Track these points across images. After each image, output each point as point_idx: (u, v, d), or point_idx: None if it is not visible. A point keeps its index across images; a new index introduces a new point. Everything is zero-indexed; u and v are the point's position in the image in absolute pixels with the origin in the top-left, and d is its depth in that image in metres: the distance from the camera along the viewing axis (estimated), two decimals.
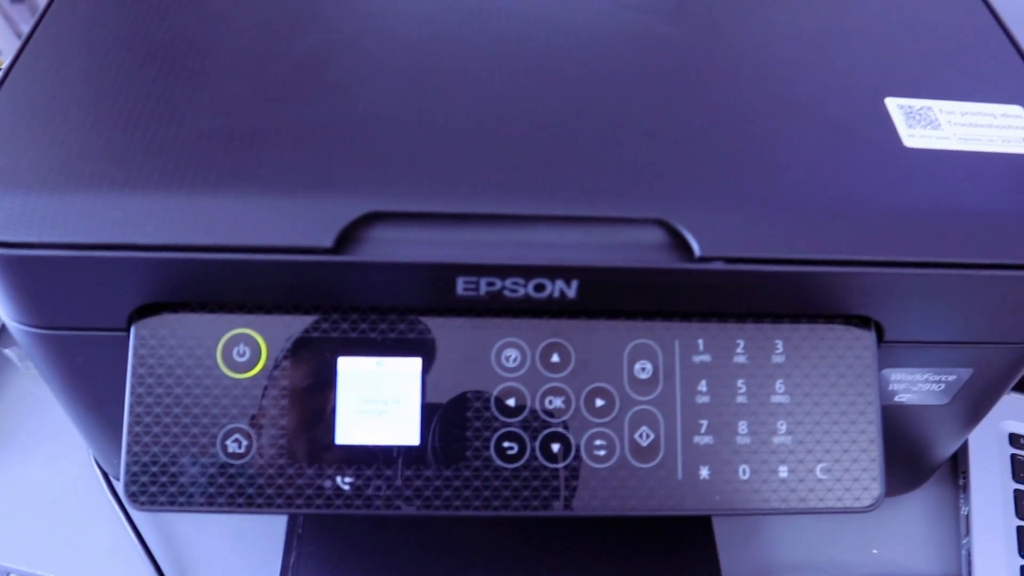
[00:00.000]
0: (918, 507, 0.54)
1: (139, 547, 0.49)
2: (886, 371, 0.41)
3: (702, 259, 0.35)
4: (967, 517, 0.51)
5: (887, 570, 0.51)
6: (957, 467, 0.55)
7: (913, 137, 0.39)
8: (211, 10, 0.43)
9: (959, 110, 0.41)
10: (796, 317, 0.38)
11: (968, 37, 0.46)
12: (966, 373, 0.42)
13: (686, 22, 0.45)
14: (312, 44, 0.41)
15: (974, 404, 0.44)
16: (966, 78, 0.43)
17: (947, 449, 0.49)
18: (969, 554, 0.50)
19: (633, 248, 0.35)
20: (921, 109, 0.41)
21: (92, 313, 0.36)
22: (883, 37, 0.45)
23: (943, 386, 0.42)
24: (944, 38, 0.45)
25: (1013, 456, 0.54)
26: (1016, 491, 0.52)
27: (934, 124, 0.40)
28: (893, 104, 0.41)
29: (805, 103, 0.41)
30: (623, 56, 0.42)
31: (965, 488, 0.53)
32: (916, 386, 0.42)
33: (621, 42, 0.43)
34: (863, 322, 0.39)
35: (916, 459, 0.49)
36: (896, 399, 0.43)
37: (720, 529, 0.49)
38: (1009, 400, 0.57)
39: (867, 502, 0.38)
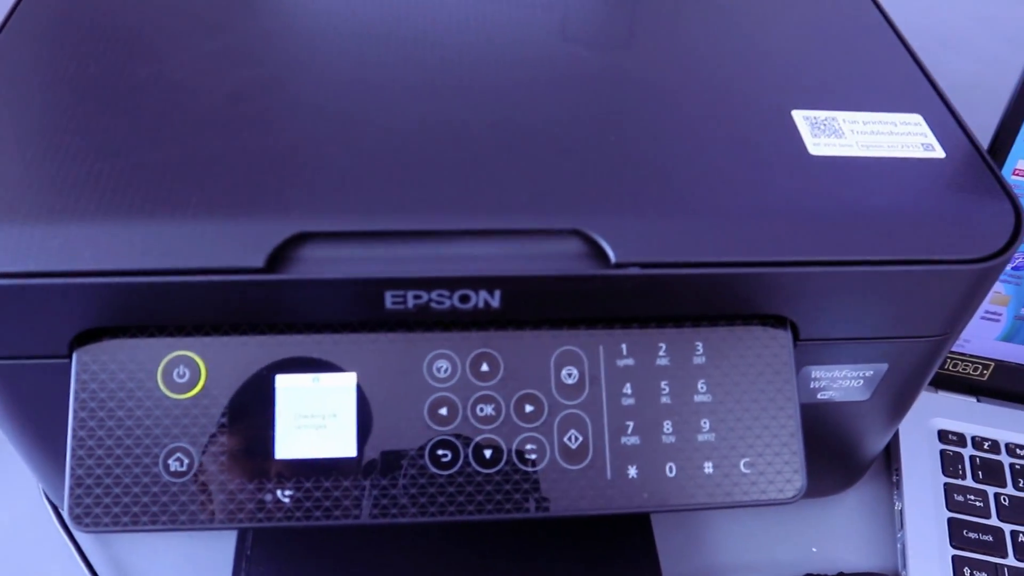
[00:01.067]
0: (855, 505, 0.56)
1: None
2: (807, 368, 0.43)
3: (618, 265, 0.36)
4: (901, 512, 0.53)
5: (827, 567, 0.52)
6: (891, 465, 0.57)
7: (818, 145, 0.42)
8: (145, 49, 0.44)
9: (861, 119, 0.43)
10: (715, 319, 0.40)
11: (871, 51, 0.48)
12: (882, 368, 0.44)
13: (603, 45, 0.47)
14: (243, 78, 0.42)
15: (895, 399, 0.46)
16: (869, 90, 0.46)
17: (876, 445, 0.51)
18: (904, 547, 0.52)
19: (552, 257, 0.37)
20: (825, 119, 0.43)
21: (33, 341, 0.38)
22: (791, 55, 0.48)
23: (862, 382, 0.44)
24: (848, 53, 0.48)
25: (942, 452, 0.56)
26: (946, 485, 0.54)
27: (838, 133, 0.42)
28: (799, 116, 0.43)
29: (717, 117, 0.43)
30: (539, 77, 0.44)
31: (898, 484, 0.55)
32: (836, 383, 0.44)
33: (536, 64, 0.45)
34: (779, 322, 0.41)
35: (847, 457, 0.51)
36: (819, 396, 0.45)
37: (661, 532, 0.50)
38: (938, 398, 0.59)
39: (790, 493, 0.40)
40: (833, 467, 0.52)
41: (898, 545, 0.53)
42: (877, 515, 0.56)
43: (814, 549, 0.53)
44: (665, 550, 0.50)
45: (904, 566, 0.51)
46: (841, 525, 0.55)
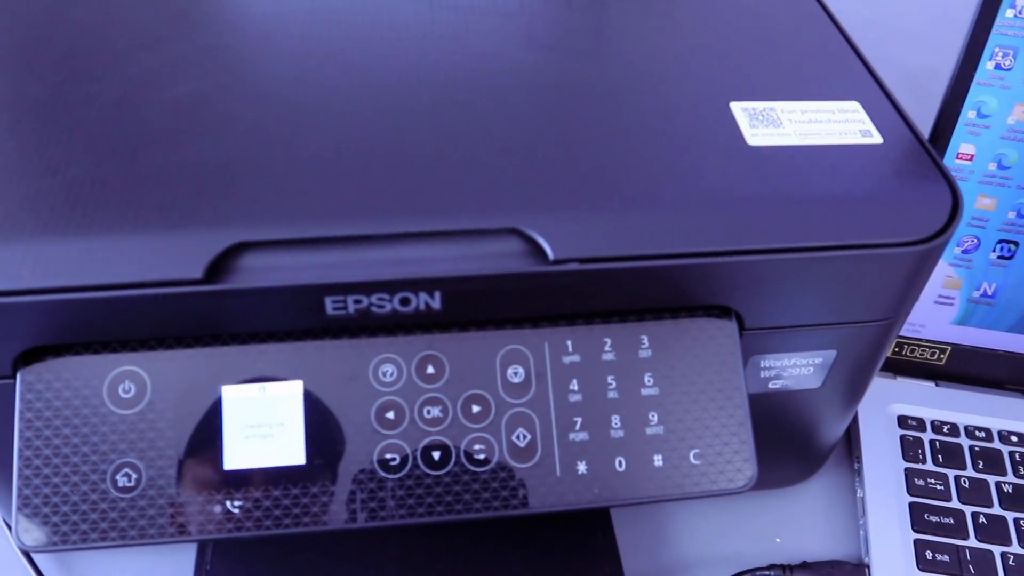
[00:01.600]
0: (817, 494, 0.56)
1: None
2: (756, 358, 0.43)
3: (556, 262, 0.37)
4: (863, 499, 0.53)
5: (791, 558, 0.52)
6: (852, 453, 0.57)
7: (756, 136, 0.42)
8: (81, 66, 0.44)
9: (799, 109, 0.44)
10: (659, 312, 0.41)
11: (809, 41, 0.49)
12: (831, 355, 0.44)
13: (538, 46, 0.47)
14: (180, 93, 0.43)
15: (847, 385, 0.47)
16: (806, 79, 0.46)
17: (833, 433, 0.51)
18: (866, 534, 0.52)
19: (490, 257, 0.37)
20: (764, 110, 0.44)
21: None
22: (729, 47, 0.48)
23: (812, 369, 0.44)
24: (786, 43, 0.49)
25: (902, 437, 0.56)
26: (907, 470, 0.54)
27: (776, 123, 0.43)
28: (737, 107, 0.44)
29: (655, 112, 0.43)
30: (473, 79, 0.44)
31: (860, 472, 0.55)
32: (787, 371, 0.44)
33: (468, 65, 0.45)
34: (724, 312, 0.41)
35: (805, 446, 0.51)
36: (771, 386, 0.45)
37: (622, 528, 0.50)
38: (896, 384, 0.60)
39: (741, 482, 0.40)
40: (792, 457, 0.52)
41: (860, 532, 0.53)
42: (839, 503, 0.56)
43: (778, 540, 0.54)
44: (627, 546, 0.50)
45: (867, 552, 0.51)
46: (804, 515, 0.55)
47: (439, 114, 0.42)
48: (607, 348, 0.40)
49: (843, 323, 0.42)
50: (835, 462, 0.57)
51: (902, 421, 0.57)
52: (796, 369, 0.44)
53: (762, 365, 0.44)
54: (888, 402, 0.58)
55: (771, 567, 0.51)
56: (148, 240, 0.36)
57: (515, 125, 0.41)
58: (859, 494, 0.54)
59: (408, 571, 0.47)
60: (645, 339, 0.40)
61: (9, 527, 0.51)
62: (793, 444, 0.50)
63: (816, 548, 0.53)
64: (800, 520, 0.55)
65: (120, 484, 0.37)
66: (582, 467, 0.39)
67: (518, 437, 0.39)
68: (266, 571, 0.47)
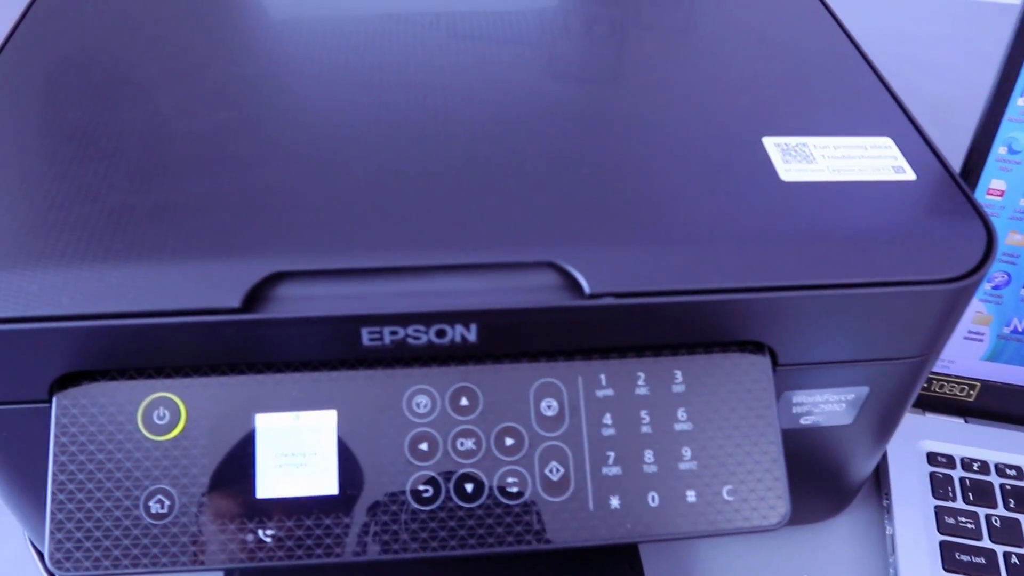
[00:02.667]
0: (846, 531, 0.56)
1: None
2: (788, 394, 0.43)
3: (592, 296, 0.37)
4: (892, 537, 0.53)
5: None
6: (880, 489, 0.57)
7: (789, 171, 0.42)
8: (123, 94, 0.45)
9: (832, 144, 0.44)
10: (693, 347, 0.40)
11: (839, 76, 0.49)
12: (863, 391, 0.44)
13: (573, 79, 0.48)
14: (220, 121, 0.43)
15: (879, 422, 0.46)
16: (838, 114, 0.46)
17: (863, 469, 0.51)
18: (896, 572, 0.51)
19: (526, 290, 0.37)
20: (796, 145, 0.44)
21: (12, 387, 0.38)
22: (760, 82, 0.48)
23: (844, 405, 0.44)
24: (817, 78, 0.49)
25: (932, 474, 0.56)
26: (937, 508, 0.54)
27: (809, 158, 0.43)
28: (770, 142, 0.44)
29: (689, 146, 0.43)
30: (511, 112, 0.45)
31: (889, 509, 0.54)
32: (819, 407, 0.44)
33: (509, 100, 0.46)
34: (757, 347, 0.41)
35: (835, 482, 0.51)
36: (802, 422, 0.45)
37: (649, 562, 0.50)
38: (925, 420, 0.59)
39: (774, 520, 0.40)
40: (821, 493, 0.52)
41: (890, 570, 0.52)
42: (868, 540, 0.55)
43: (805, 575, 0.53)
44: None
45: None
46: (832, 551, 0.55)
47: (473, 146, 0.42)
48: (641, 382, 0.40)
49: (876, 360, 0.42)
50: (864, 498, 0.57)
51: (931, 458, 0.56)
52: (828, 405, 0.44)
53: (794, 401, 0.44)
54: (917, 438, 0.57)
55: None
56: (186, 268, 0.36)
57: (548, 158, 0.42)
58: (888, 531, 0.54)
59: None
60: (679, 374, 0.40)
61: (38, 551, 0.51)
62: (823, 480, 0.50)
63: None
64: (828, 557, 0.54)
65: (153, 511, 0.38)
66: (615, 502, 0.39)
67: (551, 471, 0.39)
68: None
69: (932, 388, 0.59)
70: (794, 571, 0.53)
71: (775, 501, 0.40)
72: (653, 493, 0.39)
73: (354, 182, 0.40)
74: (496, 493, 0.38)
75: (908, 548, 0.52)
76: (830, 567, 0.54)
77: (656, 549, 0.53)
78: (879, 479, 0.57)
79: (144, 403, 0.38)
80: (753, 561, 0.54)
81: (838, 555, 0.54)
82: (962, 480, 0.55)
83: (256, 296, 0.36)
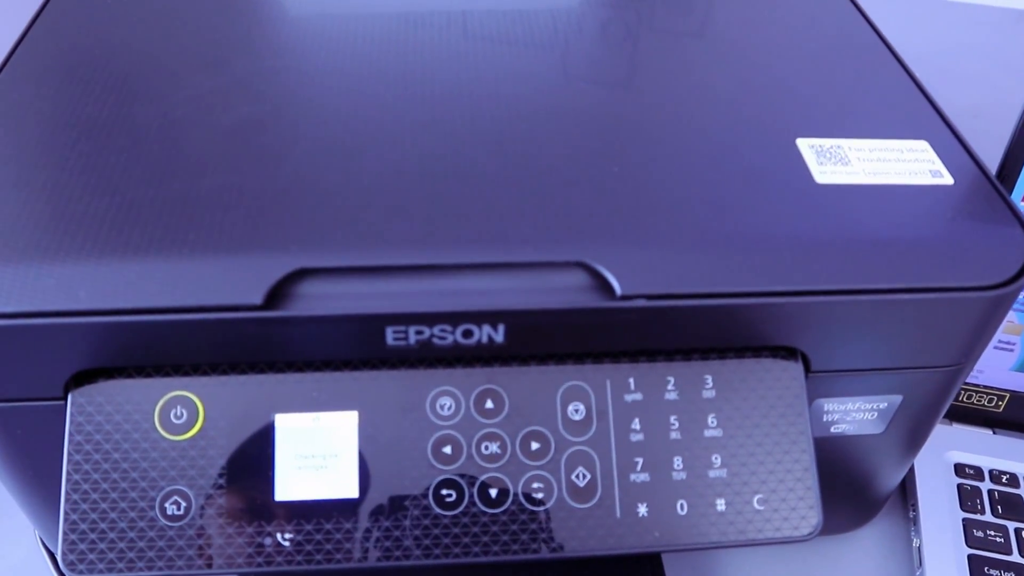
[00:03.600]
0: (871, 542, 0.54)
1: None
2: (819, 401, 0.42)
3: (623, 297, 0.36)
4: (919, 549, 0.52)
5: None
6: (907, 500, 0.56)
7: (824, 173, 0.41)
8: (142, 87, 0.44)
9: (867, 147, 0.43)
10: (724, 352, 0.39)
11: (874, 79, 0.48)
12: (896, 400, 0.42)
13: (605, 79, 0.47)
14: (240, 115, 0.42)
15: (910, 432, 0.45)
16: (873, 117, 0.45)
17: (892, 480, 0.49)
18: None
19: (556, 290, 0.36)
20: (831, 147, 0.43)
21: (27, 383, 0.37)
22: (794, 84, 0.47)
23: (876, 414, 0.43)
24: (852, 81, 0.48)
25: (959, 486, 0.54)
26: (965, 520, 0.53)
27: (844, 161, 0.42)
28: (804, 144, 0.43)
29: (721, 147, 0.42)
30: (541, 111, 0.44)
31: (915, 520, 0.53)
32: (850, 415, 0.43)
33: (539, 98, 0.45)
34: (790, 353, 0.40)
35: (862, 492, 0.50)
36: (833, 430, 0.44)
37: (671, 571, 0.49)
38: (953, 431, 0.58)
39: (805, 531, 0.38)
40: (848, 503, 0.50)
41: None
42: (894, 552, 0.54)
43: None
44: None
45: None
46: (857, 563, 0.53)
47: (502, 144, 0.41)
48: (670, 387, 0.39)
49: (910, 368, 0.41)
50: (889, 509, 0.56)
51: (959, 469, 0.55)
52: (860, 414, 0.43)
53: (825, 409, 0.42)
54: (944, 449, 0.56)
55: None
56: (207, 264, 0.35)
57: (579, 157, 0.41)
58: (915, 543, 0.52)
59: None
60: (709, 379, 0.39)
61: (50, 552, 0.50)
62: (850, 490, 0.49)
63: None
64: (853, 568, 0.53)
65: (169, 512, 0.37)
66: (643, 509, 0.38)
67: (578, 476, 0.38)
68: None
69: (960, 398, 0.58)
70: None
71: (807, 511, 0.39)
72: (682, 501, 0.38)
73: (380, 178, 0.39)
74: (521, 499, 0.37)
75: (936, 561, 0.51)
76: None
77: (678, 557, 0.51)
78: (905, 490, 0.56)
79: (161, 402, 0.37)
80: (776, 572, 0.52)
81: (863, 567, 0.53)
82: (990, 492, 0.54)
83: (278, 293, 0.35)
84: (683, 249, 0.37)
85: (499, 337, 0.36)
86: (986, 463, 0.56)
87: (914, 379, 0.42)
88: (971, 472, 0.55)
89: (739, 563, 0.53)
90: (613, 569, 0.47)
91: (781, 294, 0.37)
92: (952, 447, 0.57)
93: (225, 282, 0.35)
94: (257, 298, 0.35)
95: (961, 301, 0.38)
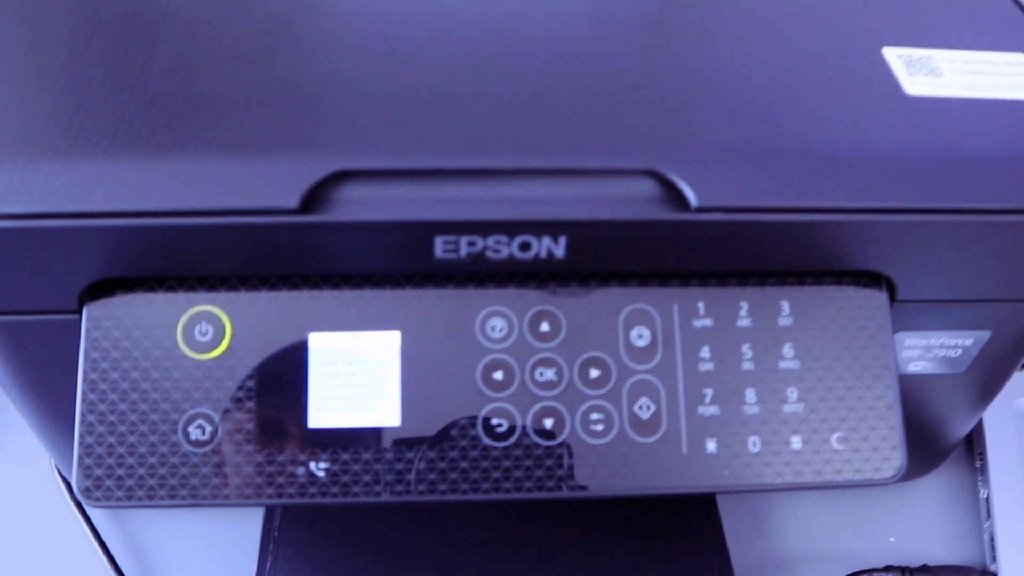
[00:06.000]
0: (935, 491, 0.51)
1: (104, 560, 0.46)
2: (899, 335, 0.38)
3: (699, 210, 0.32)
4: (987, 500, 0.49)
5: (908, 559, 0.48)
6: (972, 448, 0.52)
7: (915, 85, 0.37)
8: None
9: (960, 58, 0.39)
10: (802, 277, 0.36)
11: None
12: (984, 336, 0.39)
13: None
14: (273, 7, 0.38)
15: (991, 373, 0.42)
16: (965, 28, 0.41)
17: (963, 427, 0.46)
18: (992, 538, 0.47)
19: (624, 201, 0.32)
20: (921, 58, 0.38)
21: (39, 294, 0.34)
22: None
23: (959, 352, 0.40)
24: None
25: None
26: None
27: (935, 72, 0.38)
28: (892, 53, 0.39)
29: (801, 54, 0.38)
30: (614, 7, 0.40)
31: (983, 470, 0.50)
32: (931, 352, 0.39)
33: None
34: (874, 280, 0.36)
35: (931, 438, 0.46)
36: (910, 368, 0.40)
37: (726, 518, 0.45)
38: (1022, 377, 0.54)
39: (888, 473, 0.35)
40: (915, 449, 0.47)
41: (985, 536, 0.48)
42: (958, 502, 0.51)
43: (892, 539, 0.49)
44: (729, 535, 0.45)
45: (994, 559, 0.46)
46: (920, 513, 0.50)
47: (570, 42, 0.37)
48: (743, 313, 0.35)
49: (1004, 300, 0.37)
50: (953, 457, 0.52)
51: None
52: (943, 351, 0.39)
53: (906, 344, 0.39)
54: (1014, 396, 0.53)
55: (888, 569, 0.46)
56: (237, 163, 0.32)
57: (652, 59, 0.37)
58: (982, 494, 0.49)
59: (490, 551, 0.43)
60: (786, 305, 0.36)
61: (64, 479, 0.47)
62: (919, 436, 0.45)
63: (933, 550, 0.49)
64: (916, 519, 0.50)
65: (192, 437, 0.33)
66: (711, 445, 0.34)
67: (641, 408, 0.34)
68: (342, 539, 0.43)
69: None
70: (879, 532, 0.49)
71: (889, 452, 0.35)
72: (754, 437, 0.35)
73: (431, 72, 0.35)
74: (578, 430, 0.34)
75: (1006, 513, 0.47)
76: (918, 530, 0.50)
77: (731, 499, 0.48)
78: (971, 438, 0.53)
79: (185, 317, 0.34)
80: (833, 519, 0.49)
81: (926, 517, 0.50)
82: None
83: (316, 196, 0.31)
84: (764, 159, 0.33)
85: (559, 251, 0.33)
86: None
87: (1006, 313, 0.38)
88: None
89: (794, 508, 0.50)
90: (666, 507, 0.44)
91: (871, 211, 0.33)
92: (1021, 394, 0.53)
93: (257, 183, 0.31)
94: (292, 201, 0.31)
95: None
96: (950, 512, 0.50)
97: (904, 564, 0.47)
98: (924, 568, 0.46)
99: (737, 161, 0.33)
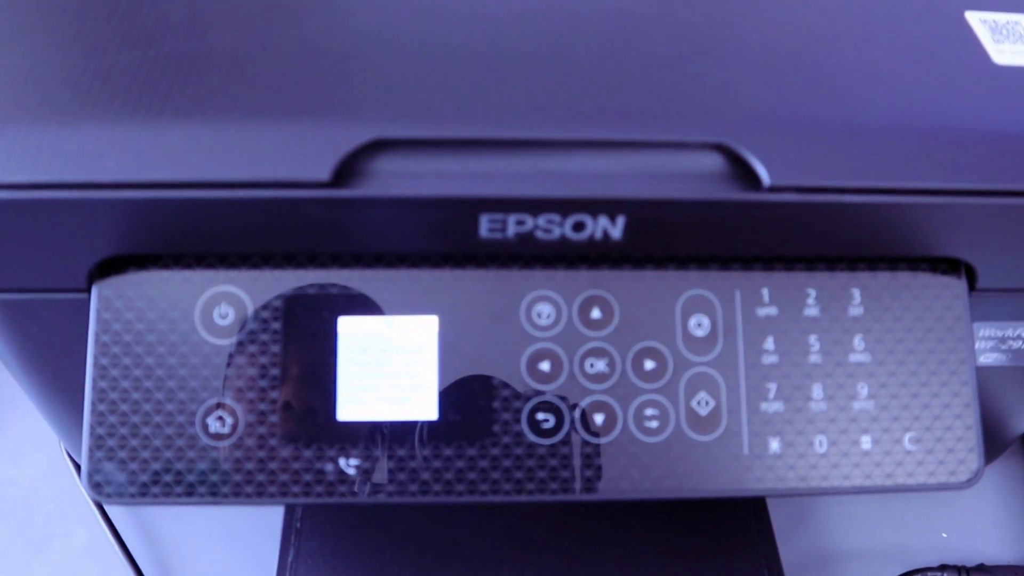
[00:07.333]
0: (988, 488, 0.49)
1: (117, 548, 0.44)
2: (975, 325, 0.36)
3: (772, 189, 0.29)
4: None
5: (962, 557, 0.45)
6: None
7: (1003, 53, 0.34)
8: None
9: None
10: (873, 263, 0.33)
11: None
12: None
13: None
14: None
15: None
16: None
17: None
18: None
19: (689, 178, 0.29)
20: (1008, 23, 0.35)
21: (45, 272, 0.31)
22: None
23: None
24: None
25: None
26: None
27: None
28: (975, 18, 0.35)
29: (877, 18, 0.35)
30: None
31: None
32: (1007, 343, 0.37)
33: None
34: (951, 267, 0.33)
35: (991, 432, 0.43)
36: (982, 360, 0.37)
37: (773, 512, 0.43)
38: None
39: (964, 476, 0.32)
40: None
41: None
42: (1012, 500, 0.48)
43: (944, 535, 0.47)
44: (777, 530, 0.43)
45: None
46: (973, 510, 0.48)
47: (626, 8, 0.34)
48: (811, 302, 0.32)
49: None
50: (1008, 453, 0.50)
51: None
52: (1018, 342, 0.37)
53: (981, 335, 0.36)
54: None
55: (943, 568, 0.44)
56: (262, 130, 0.29)
57: (719, 24, 0.34)
58: None
59: (526, 551, 0.41)
60: (857, 294, 0.33)
61: (76, 464, 0.45)
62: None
63: (987, 548, 0.46)
64: (969, 516, 0.48)
65: (212, 429, 0.31)
66: (775, 444, 0.32)
67: (699, 403, 0.32)
68: (366, 532, 0.40)
69: None
70: (931, 529, 0.47)
71: (965, 454, 0.33)
72: (821, 437, 0.32)
73: (478, 32, 0.32)
74: (631, 427, 0.31)
75: None
76: (971, 527, 0.47)
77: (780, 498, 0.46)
78: None
79: (203, 297, 0.31)
80: (884, 516, 0.47)
81: (979, 515, 0.48)
82: None
83: (349, 168, 0.28)
84: (841, 136, 0.30)
85: (616, 233, 0.30)
86: None
87: None
88: None
89: (844, 507, 0.48)
90: (714, 507, 0.42)
91: (957, 192, 0.30)
92: None
93: (285, 153, 0.28)
94: (324, 173, 0.28)
95: None
96: (1004, 509, 0.48)
97: (959, 563, 0.44)
98: (981, 567, 0.44)
99: (812, 136, 0.30)
